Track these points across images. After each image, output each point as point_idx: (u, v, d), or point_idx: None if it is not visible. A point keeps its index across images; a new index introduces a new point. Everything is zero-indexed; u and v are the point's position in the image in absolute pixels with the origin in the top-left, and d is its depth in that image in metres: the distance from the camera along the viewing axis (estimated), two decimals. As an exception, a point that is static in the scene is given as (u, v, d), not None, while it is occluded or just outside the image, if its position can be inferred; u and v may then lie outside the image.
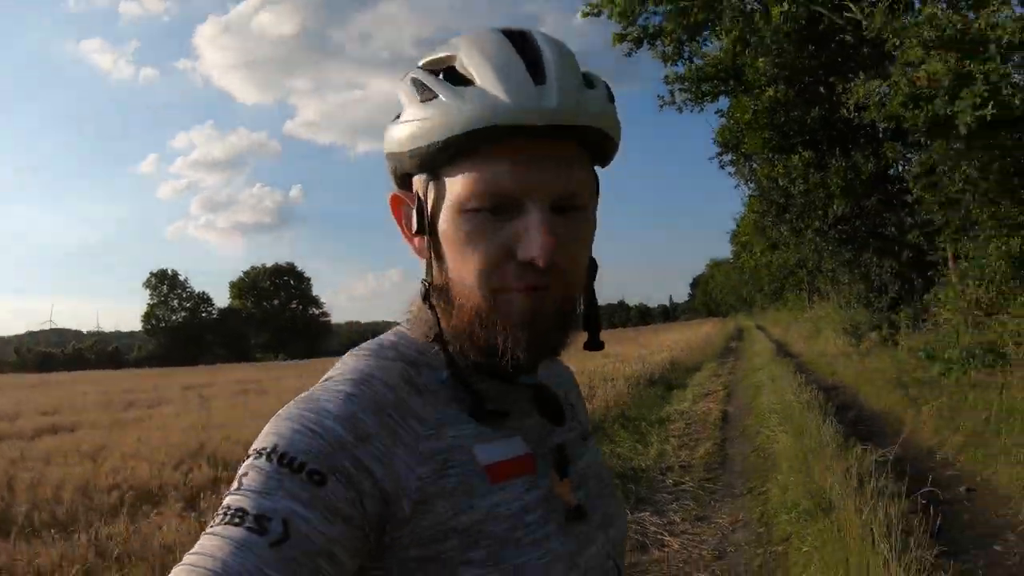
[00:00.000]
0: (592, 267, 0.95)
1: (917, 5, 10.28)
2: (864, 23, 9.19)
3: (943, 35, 8.04)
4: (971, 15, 8.57)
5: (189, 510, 6.27)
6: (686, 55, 16.08)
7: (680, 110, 16.94)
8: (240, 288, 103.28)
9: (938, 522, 4.76)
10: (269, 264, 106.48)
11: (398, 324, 0.98)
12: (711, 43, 16.33)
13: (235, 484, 0.75)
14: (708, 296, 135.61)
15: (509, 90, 0.78)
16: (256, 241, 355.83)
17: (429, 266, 0.89)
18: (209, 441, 10.26)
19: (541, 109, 0.77)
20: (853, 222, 16.08)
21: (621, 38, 15.11)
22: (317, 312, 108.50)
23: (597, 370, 15.23)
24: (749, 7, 13.71)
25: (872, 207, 15.78)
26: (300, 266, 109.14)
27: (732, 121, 17.88)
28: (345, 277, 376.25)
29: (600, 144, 0.86)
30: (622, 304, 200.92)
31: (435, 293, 0.89)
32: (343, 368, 0.88)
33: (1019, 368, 7.87)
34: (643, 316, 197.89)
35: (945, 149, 9.53)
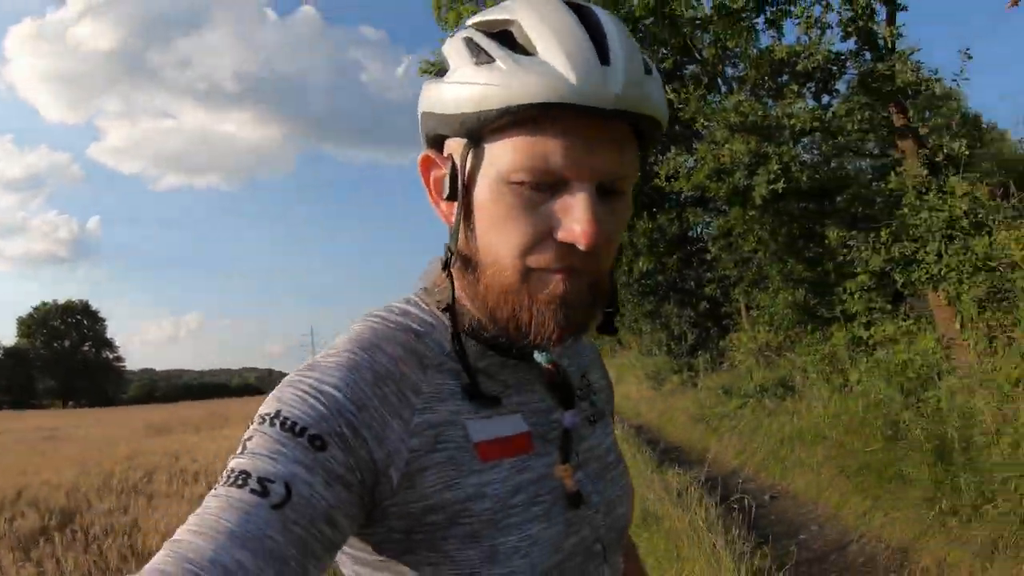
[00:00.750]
0: (612, 265, 0.91)
1: (724, 90, 11.56)
2: (680, 106, 9.85)
3: (746, 120, 8.92)
4: (770, 103, 9.67)
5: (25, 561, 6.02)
6: None
7: None
8: (29, 325, 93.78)
9: (752, 518, 5.45)
10: (61, 300, 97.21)
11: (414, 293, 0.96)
12: None
13: (239, 448, 0.75)
14: None
15: (576, 67, 0.74)
16: (47, 274, 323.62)
17: (456, 233, 0.86)
18: (28, 487, 9.87)
19: (608, 92, 0.75)
20: (656, 277, 16.98)
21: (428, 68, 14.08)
22: (111, 356, 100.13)
23: None
24: None
25: (673, 264, 16.78)
26: (95, 305, 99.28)
27: None
28: (141, 319, 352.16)
29: (651, 131, 0.83)
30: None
31: (458, 261, 0.88)
32: (348, 335, 0.87)
33: (804, 397, 8.76)
34: None
35: (741, 215, 10.52)
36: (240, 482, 0.70)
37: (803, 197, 9.54)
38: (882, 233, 8.10)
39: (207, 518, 0.67)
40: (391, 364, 0.83)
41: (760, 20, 9.83)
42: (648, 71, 0.82)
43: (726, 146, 9.12)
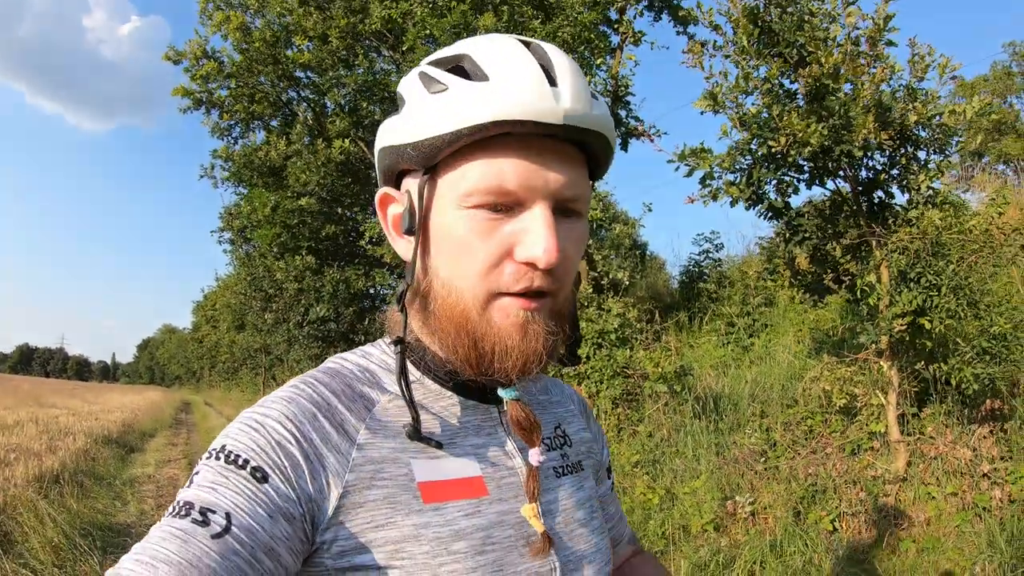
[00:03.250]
0: (576, 279, 0.89)
1: None
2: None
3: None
4: None
5: None
6: (235, 135, 17.14)
7: (216, 186, 17.87)
8: None
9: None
10: None
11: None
12: (261, 134, 17.14)
13: (187, 482, 0.75)
14: (154, 361, 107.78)
15: (526, 87, 0.74)
16: None
17: (412, 268, 0.84)
18: None
19: (557, 109, 0.74)
20: (329, 324, 16.64)
21: (186, 92, 15.71)
22: None
23: (52, 422, 15.19)
24: (315, 130, 16.04)
25: (350, 315, 16.78)
26: None
27: (248, 207, 16.98)
28: None
29: (600, 154, 0.83)
30: (61, 352, 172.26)
31: (415, 298, 0.86)
32: (307, 372, 0.87)
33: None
34: (81, 371, 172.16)
35: None
36: (183, 512, 0.70)
37: None
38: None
39: (148, 547, 0.67)
40: (332, 398, 0.81)
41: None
42: (594, 96, 0.81)
43: None
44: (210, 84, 15.94)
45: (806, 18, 4.90)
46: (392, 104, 12.96)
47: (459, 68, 0.80)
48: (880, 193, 5.34)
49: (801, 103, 5.02)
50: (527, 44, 0.81)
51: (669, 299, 13.04)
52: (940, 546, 4.64)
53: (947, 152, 5.35)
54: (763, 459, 5.94)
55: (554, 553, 0.86)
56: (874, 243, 5.14)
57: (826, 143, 4.64)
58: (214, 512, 0.70)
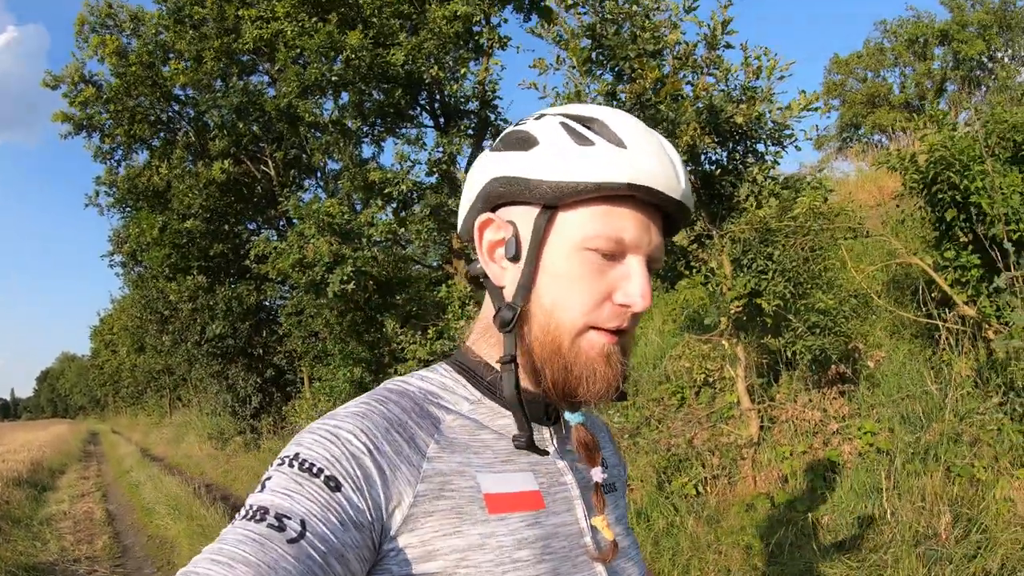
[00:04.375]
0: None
1: (322, 195, 14.10)
2: (280, 199, 11.80)
3: (333, 223, 9.53)
4: (358, 207, 10.62)
5: None
6: (118, 158, 17.01)
7: (102, 213, 17.84)
8: None
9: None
10: None
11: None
12: (144, 154, 16.93)
13: (258, 487, 0.76)
14: (55, 393, 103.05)
15: (657, 162, 0.85)
16: None
17: (520, 294, 0.88)
18: None
19: (677, 187, 0.86)
20: (227, 340, 16.41)
21: (65, 117, 15.56)
22: None
23: None
24: (194, 150, 16.11)
25: (246, 330, 16.55)
26: None
27: (136, 229, 16.89)
28: None
29: (681, 226, 0.94)
30: None
31: (509, 322, 0.89)
32: (371, 392, 0.90)
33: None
34: None
35: (314, 298, 10.46)
36: (258, 517, 0.71)
37: (367, 291, 10.13)
38: (429, 331, 8.80)
39: (225, 548, 0.68)
40: (402, 414, 0.85)
41: (367, 140, 11.72)
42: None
43: (312, 242, 9.54)
44: (88, 109, 15.63)
45: (637, 33, 5.18)
46: (268, 121, 13.05)
47: (593, 128, 0.88)
48: (721, 185, 5.73)
49: (633, 116, 5.37)
50: (646, 128, 0.90)
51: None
52: (793, 499, 5.03)
53: (784, 144, 5.82)
54: (630, 436, 6.27)
55: (601, 565, 0.90)
56: (715, 233, 5.54)
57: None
58: (289, 518, 0.71)
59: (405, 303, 10.59)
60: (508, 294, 0.90)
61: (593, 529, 0.91)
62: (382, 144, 13.04)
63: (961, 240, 5.32)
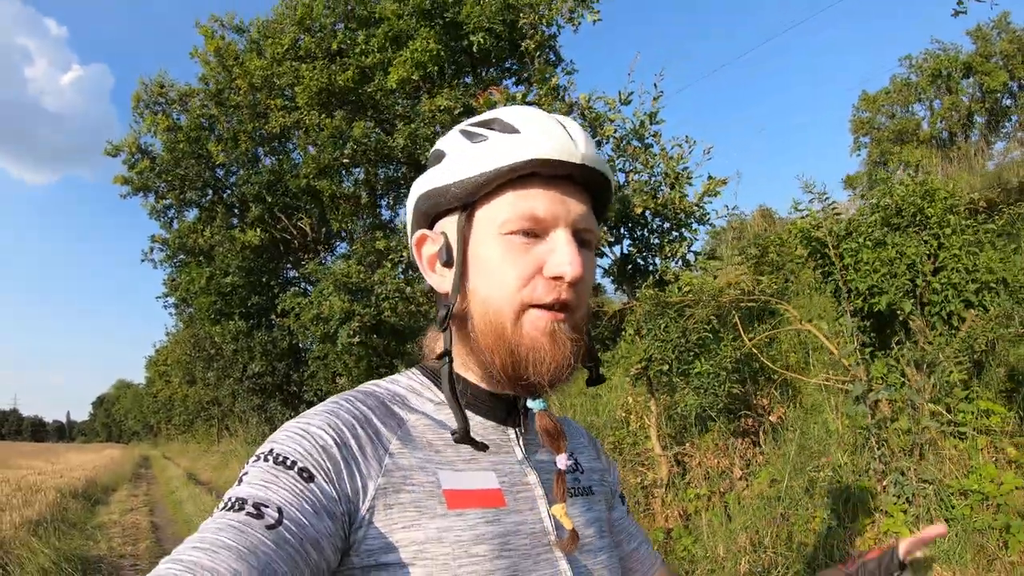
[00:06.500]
0: (588, 310, 0.95)
1: (336, 255, 15.86)
2: (303, 261, 13.36)
3: (348, 282, 10.19)
4: (372, 269, 11.16)
5: None
6: (171, 216, 18.37)
7: (156, 267, 19.24)
8: None
9: None
10: None
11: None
12: (194, 211, 18.31)
13: (236, 482, 0.77)
14: (111, 419, 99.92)
15: (551, 137, 0.87)
16: None
17: (453, 295, 0.90)
18: None
19: (576, 153, 0.86)
20: (265, 378, 17.56)
21: (125, 180, 17.06)
22: None
23: (22, 480, 15.97)
24: (235, 211, 17.73)
25: (283, 368, 17.66)
26: None
27: (186, 278, 18.05)
28: None
29: (604, 197, 0.94)
30: (15, 413, 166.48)
31: (454, 320, 0.91)
32: (341, 393, 0.91)
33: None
34: (36, 431, 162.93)
35: (332, 347, 11.00)
36: (237, 507, 0.72)
37: (385, 336, 10.68)
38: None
39: (206, 536, 0.68)
40: (369, 413, 0.86)
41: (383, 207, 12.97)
42: (598, 151, 0.92)
43: (329, 299, 10.22)
44: (143, 176, 17.02)
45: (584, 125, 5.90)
46: (294, 195, 14.41)
47: (492, 127, 0.91)
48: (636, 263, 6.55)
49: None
50: (543, 112, 0.92)
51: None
52: (692, 535, 5.62)
53: (690, 225, 6.49)
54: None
55: (567, 563, 0.89)
56: (631, 305, 6.37)
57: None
58: (267, 507, 0.71)
59: (417, 350, 10.54)
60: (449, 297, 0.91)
61: (555, 521, 0.90)
62: (397, 211, 14.22)
63: (845, 308, 5.45)
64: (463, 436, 0.85)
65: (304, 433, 0.80)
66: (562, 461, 0.90)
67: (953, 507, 4.17)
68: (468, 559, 0.79)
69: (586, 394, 9.95)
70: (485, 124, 0.91)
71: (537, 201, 0.86)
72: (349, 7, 12.68)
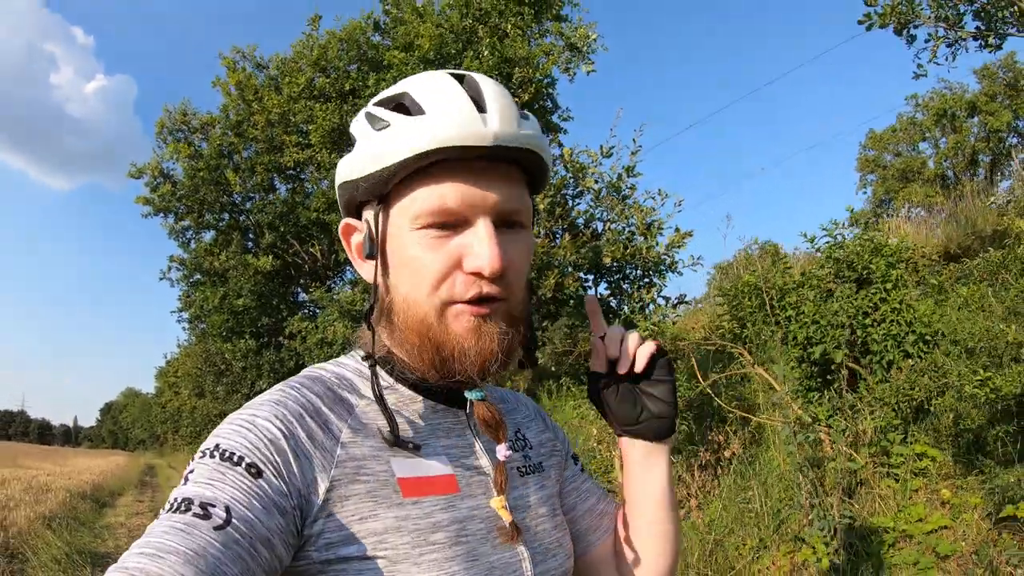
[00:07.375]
0: (529, 288, 0.92)
1: (340, 285, 16.78)
2: (311, 289, 13.90)
3: (352, 309, 10.49)
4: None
5: None
6: (189, 236, 18.81)
7: (173, 285, 19.84)
8: None
9: None
10: None
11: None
12: (212, 232, 18.79)
13: (182, 481, 0.74)
14: (117, 426, 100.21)
15: (456, 117, 0.78)
16: None
17: (375, 289, 0.87)
18: None
19: (486, 133, 0.78)
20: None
21: (146, 201, 17.54)
22: None
23: (32, 480, 16.55)
24: (249, 235, 18.25)
25: None
26: None
27: (201, 296, 18.54)
28: None
29: (534, 170, 0.86)
30: (23, 414, 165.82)
31: (380, 315, 0.88)
32: (287, 379, 0.87)
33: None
34: (43, 434, 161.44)
35: None
36: (183, 508, 0.68)
37: None
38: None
39: (151, 541, 0.65)
40: (316, 400, 0.82)
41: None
42: (525, 118, 0.85)
43: (333, 325, 10.52)
44: (164, 199, 17.63)
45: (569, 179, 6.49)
46: (305, 226, 15.21)
47: (400, 105, 0.84)
48: (609, 306, 7.19)
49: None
50: (460, 78, 0.85)
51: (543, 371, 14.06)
52: None
53: (660, 272, 7.13)
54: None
55: (523, 544, 0.89)
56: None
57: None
58: (214, 506, 0.68)
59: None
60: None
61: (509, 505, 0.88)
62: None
63: (790, 354, 5.85)
64: (394, 440, 0.82)
65: (250, 426, 0.77)
66: (502, 452, 0.88)
67: (871, 543, 4.40)
68: (428, 547, 0.78)
69: (586, 419, 10.39)
70: (392, 104, 0.86)
71: (448, 191, 0.80)
72: (362, 51, 13.46)
